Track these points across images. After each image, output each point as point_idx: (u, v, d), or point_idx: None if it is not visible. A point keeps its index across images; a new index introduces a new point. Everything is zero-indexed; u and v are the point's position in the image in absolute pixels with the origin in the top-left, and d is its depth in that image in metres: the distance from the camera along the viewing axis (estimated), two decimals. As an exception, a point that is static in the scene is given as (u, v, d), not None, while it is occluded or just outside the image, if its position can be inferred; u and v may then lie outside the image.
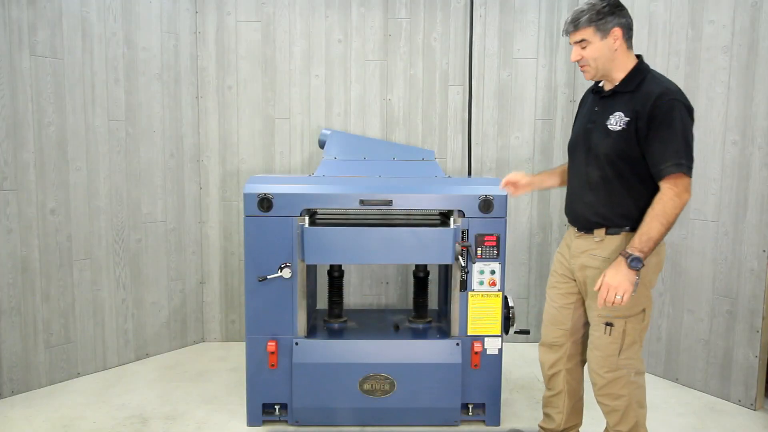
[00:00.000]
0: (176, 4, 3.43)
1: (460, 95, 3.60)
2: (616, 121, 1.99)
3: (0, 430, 2.59)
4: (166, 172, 3.45)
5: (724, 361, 2.92)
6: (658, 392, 3.03)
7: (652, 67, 3.17)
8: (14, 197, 2.86)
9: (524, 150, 3.61)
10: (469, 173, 3.59)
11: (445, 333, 2.72)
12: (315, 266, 3.21)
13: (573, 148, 2.20)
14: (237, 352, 3.51)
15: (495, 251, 2.55)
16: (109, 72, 3.16)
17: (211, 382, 3.11)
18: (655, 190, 1.94)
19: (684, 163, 1.87)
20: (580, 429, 2.41)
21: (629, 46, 2.03)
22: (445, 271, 2.89)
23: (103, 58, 3.13)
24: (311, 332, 2.73)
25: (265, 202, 2.50)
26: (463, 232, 2.52)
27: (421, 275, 2.93)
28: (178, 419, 2.70)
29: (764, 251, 2.75)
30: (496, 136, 3.64)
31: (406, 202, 2.53)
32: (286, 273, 2.53)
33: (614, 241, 2.03)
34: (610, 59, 2.00)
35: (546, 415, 2.41)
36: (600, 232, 2.06)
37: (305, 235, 2.47)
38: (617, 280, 1.90)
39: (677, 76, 3.02)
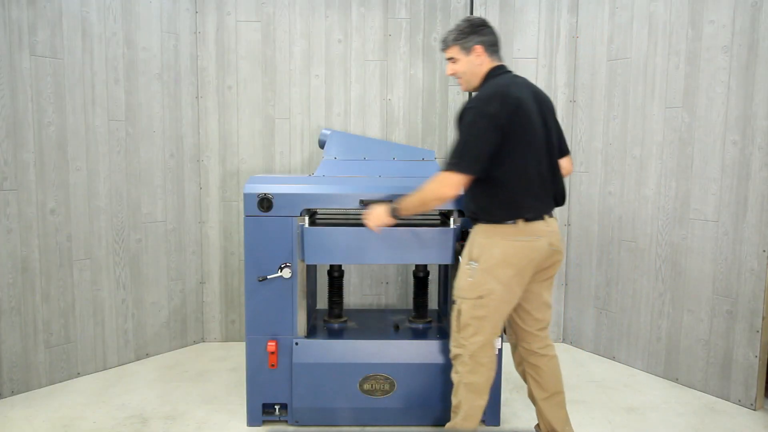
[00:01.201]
0: (176, 4, 3.43)
1: (461, 95, 3.60)
2: None
3: (0, 430, 2.59)
4: (166, 172, 3.45)
5: (724, 361, 2.92)
6: (658, 392, 3.03)
7: (652, 66, 3.18)
8: (14, 197, 2.86)
9: (524, 150, 3.61)
10: (469, 173, 3.58)
11: (445, 333, 2.72)
12: (315, 266, 3.21)
13: None
14: (237, 352, 3.51)
15: (495, 251, 2.55)
16: (109, 72, 3.16)
17: (211, 382, 3.11)
18: (493, 184, 2.13)
19: (453, 162, 2.09)
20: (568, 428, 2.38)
21: (493, 59, 2.24)
22: (445, 271, 2.89)
23: (103, 58, 3.13)
24: (311, 332, 2.73)
25: (265, 202, 2.50)
26: (463, 232, 2.52)
27: (421, 275, 2.93)
28: (178, 419, 2.70)
29: (764, 251, 2.75)
30: (496, 136, 3.63)
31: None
32: (286, 273, 2.53)
33: (473, 230, 2.24)
34: (475, 73, 2.23)
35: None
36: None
37: (305, 235, 2.47)
38: (372, 210, 2.31)
39: (677, 76, 3.03)
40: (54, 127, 2.97)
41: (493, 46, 2.23)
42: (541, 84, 3.58)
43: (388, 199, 2.34)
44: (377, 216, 2.30)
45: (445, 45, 2.26)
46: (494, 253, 2.12)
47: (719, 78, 2.86)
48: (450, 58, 2.25)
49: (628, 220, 3.32)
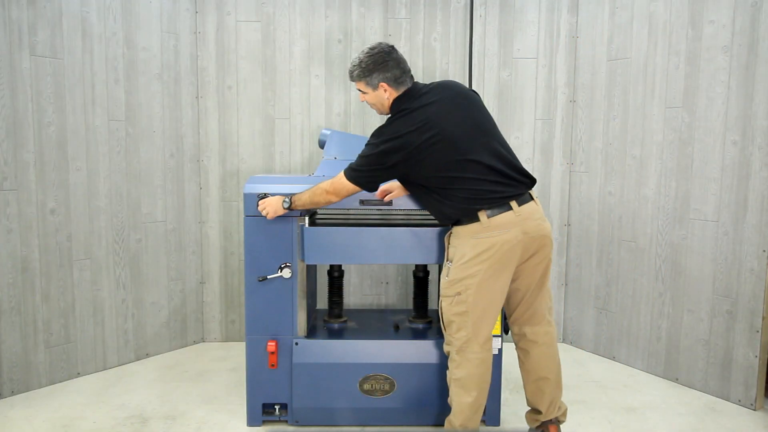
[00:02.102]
0: (176, 4, 3.43)
1: (460, 95, 3.59)
2: None
3: (0, 430, 2.59)
4: (166, 172, 3.45)
5: (724, 361, 2.92)
6: (658, 392, 3.03)
7: (652, 66, 3.18)
8: (14, 197, 2.86)
9: (524, 150, 3.61)
10: (469, 173, 3.58)
11: (445, 333, 2.72)
12: (315, 266, 3.21)
13: None
14: (237, 352, 3.51)
15: (495, 251, 2.55)
16: (109, 72, 3.16)
17: (211, 382, 3.11)
18: (441, 196, 2.21)
19: (349, 168, 2.26)
20: (545, 413, 2.43)
21: (399, 89, 2.29)
22: (445, 271, 2.89)
23: (103, 58, 3.13)
24: (311, 332, 2.73)
25: (265, 203, 2.50)
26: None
27: (421, 275, 2.93)
28: (178, 419, 2.71)
29: (764, 251, 2.75)
30: (496, 136, 3.63)
31: (405, 202, 2.53)
32: (286, 273, 2.53)
33: (453, 228, 2.29)
34: (384, 104, 2.33)
35: None
36: None
37: (305, 235, 2.47)
38: (268, 201, 2.42)
39: (677, 76, 3.03)
40: (54, 127, 2.97)
41: (398, 80, 2.27)
42: (541, 84, 3.58)
43: (286, 195, 2.42)
44: (271, 206, 2.41)
45: (352, 79, 2.33)
46: (465, 251, 2.19)
47: (719, 78, 2.86)
48: (359, 90, 2.35)
49: (628, 220, 3.32)
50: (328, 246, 2.47)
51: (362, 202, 2.52)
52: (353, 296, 3.71)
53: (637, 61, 3.21)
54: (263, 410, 2.63)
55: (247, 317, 2.57)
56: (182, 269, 3.58)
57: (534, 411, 2.47)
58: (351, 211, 2.86)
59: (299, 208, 2.41)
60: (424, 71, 3.58)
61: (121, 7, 3.18)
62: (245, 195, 2.51)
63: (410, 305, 3.53)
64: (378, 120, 3.61)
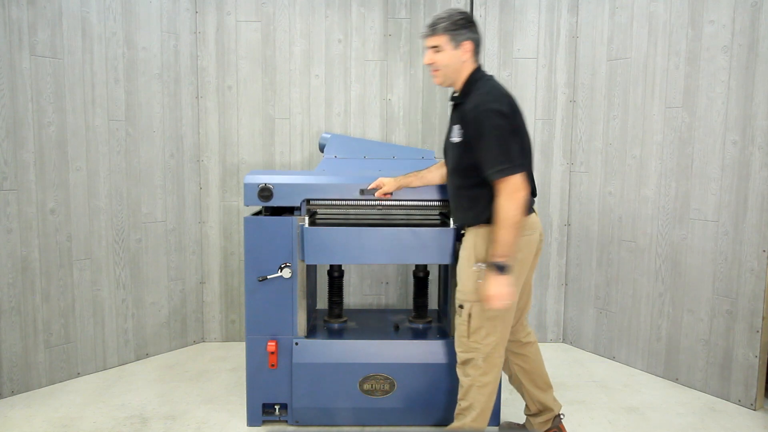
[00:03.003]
0: (176, 4, 3.43)
1: (460, 95, 3.59)
2: (455, 134, 2.16)
3: (0, 430, 2.59)
4: (166, 172, 3.45)
5: (724, 361, 2.92)
6: (658, 392, 3.03)
7: (652, 66, 3.18)
8: (14, 197, 2.86)
9: (524, 150, 3.61)
10: (469, 173, 3.58)
11: (445, 333, 2.72)
12: (315, 266, 3.21)
13: (444, 155, 2.36)
14: (237, 352, 3.51)
15: (495, 251, 2.54)
16: (109, 72, 3.16)
17: (211, 382, 3.11)
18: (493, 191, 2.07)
19: (503, 168, 2.00)
20: (555, 407, 2.48)
21: (475, 60, 2.19)
22: (445, 271, 2.89)
23: (103, 58, 3.13)
24: (311, 332, 2.73)
25: (266, 192, 2.50)
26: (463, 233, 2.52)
27: (421, 275, 2.93)
28: (178, 419, 2.71)
29: (764, 251, 2.75)
30: (496, 136, 3.63)
31: (405, 194, 2.53)
32: (286, 273, 2.53)
33: (471, 232, 2.19)
34: (457, 69, 2.15)
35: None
36: (466, 228, 2.26)
37: (305, 235, 2.47)
38: (494, 290, 2.04)
39: (677, 76, 3.03)
40: (54, 127, 2.97)
41: (479, 47, 2.18)
42: (541, 84, 3.58)
43: (493, 267, 2.04)
44: (498, 287, 2.03)
45: (433, 31, 2.10)
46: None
47: (719, 78, 2.86)
48: (434, 47, 2.12)
49: (628, 220, 3.32)
50: (328, 246, 2.47)
51: (362, 191, 2.52)
52: (353, 296, 3.71)
53: (637, 61, 3.21)
54: (263, 410, 2.63)
55: (247, 317, 2.57)
56: (182, 269, 3.58)
57: (543, 412, 2.47)
58: (351, 211, 2.86)
59: (511, 253, 2.05)
60: (424, 71, 3.58)
61: (121, 7, 3.18)
62: (246, 185, 2.51)
63: (410, 305, 3.53)
64: (378, 120, 3.61)
